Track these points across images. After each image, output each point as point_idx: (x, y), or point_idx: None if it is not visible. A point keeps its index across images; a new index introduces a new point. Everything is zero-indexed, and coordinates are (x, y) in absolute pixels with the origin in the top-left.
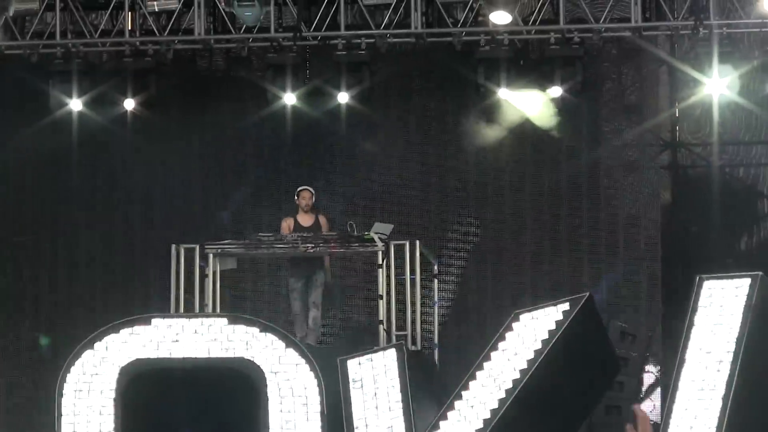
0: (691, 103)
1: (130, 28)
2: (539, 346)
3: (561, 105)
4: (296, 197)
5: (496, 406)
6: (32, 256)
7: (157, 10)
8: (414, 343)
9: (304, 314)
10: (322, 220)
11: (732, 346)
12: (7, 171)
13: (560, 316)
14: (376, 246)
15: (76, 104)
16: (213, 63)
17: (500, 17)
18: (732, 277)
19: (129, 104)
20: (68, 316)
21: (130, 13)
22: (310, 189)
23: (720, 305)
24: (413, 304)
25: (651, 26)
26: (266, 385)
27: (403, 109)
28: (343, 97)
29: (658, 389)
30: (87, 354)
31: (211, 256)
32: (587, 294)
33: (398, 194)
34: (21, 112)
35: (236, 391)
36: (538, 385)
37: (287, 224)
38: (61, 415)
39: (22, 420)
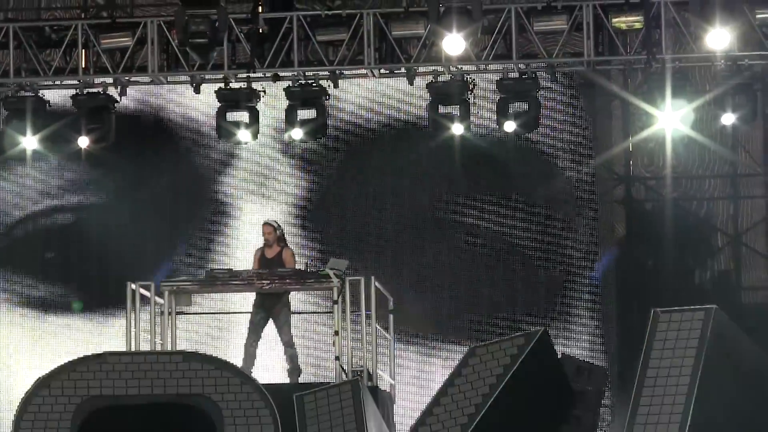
0: (645, 136)
1: (83, 65)
2: (494, 380)
3: (515, 140)
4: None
5: None
6: None
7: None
8: (370, 378)
9: (253, 348)
10: (285, 253)
11: (687, 379)
12: None
13: (515, 351)
14: (332, 282)
15: (30, 142)
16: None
17: (453, 45)
18: (686, 311)
19: (83, 142)
20: (27, 352)
21: (83, 50)
22: (271, 223)
23: (675, 338)
24: (369, 339)
25: (604, 60)
26: (223, 422)
27: (357, 145)
28: (296, 134)
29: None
30: (42, 392)
31: (166, 293)
32: (542, 329)
33: (353, 230)
34: None
35: (193, 429)
36: (493, 419)
37: (257, 255)
38: None
39: None
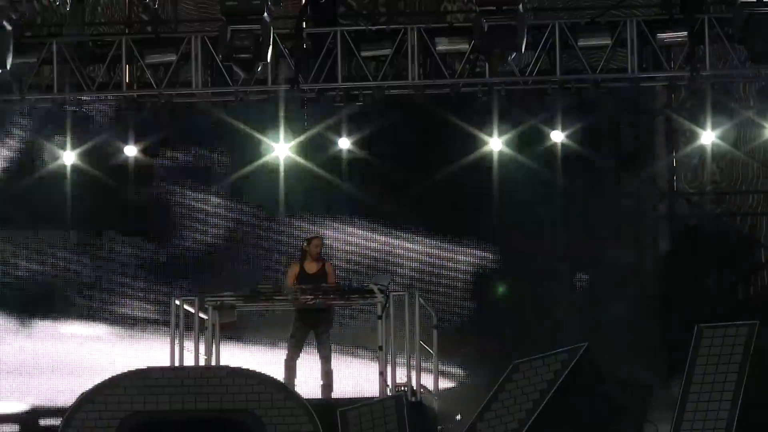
0: (688, 152)
1: (127, 81)
2: (538, 396)
3: (557, 155)
4: (306, 244)
5: None
6: (28, 306)
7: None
8: (414, 394)
9: (294, 364)
10: (328, 267)
11: (731, 395)
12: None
13: (558, 366)
14: (376, 297)
15: (69, 157)
16: (211, 115)
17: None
18: (730, 326)
19: (130, 151)
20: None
21: (127, 66)
22: (321, 236)
23: (719, 354)
24: (412, 355)
25: (648, 77)
26: None
27: (400, 159)
28: (342, 146)
29: None
30: (86, 407)
31: (210, 308)
32: (585, 344)
33: (396, 244)
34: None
35: None
36: None
37: (293, 271)
38: None
39: None
